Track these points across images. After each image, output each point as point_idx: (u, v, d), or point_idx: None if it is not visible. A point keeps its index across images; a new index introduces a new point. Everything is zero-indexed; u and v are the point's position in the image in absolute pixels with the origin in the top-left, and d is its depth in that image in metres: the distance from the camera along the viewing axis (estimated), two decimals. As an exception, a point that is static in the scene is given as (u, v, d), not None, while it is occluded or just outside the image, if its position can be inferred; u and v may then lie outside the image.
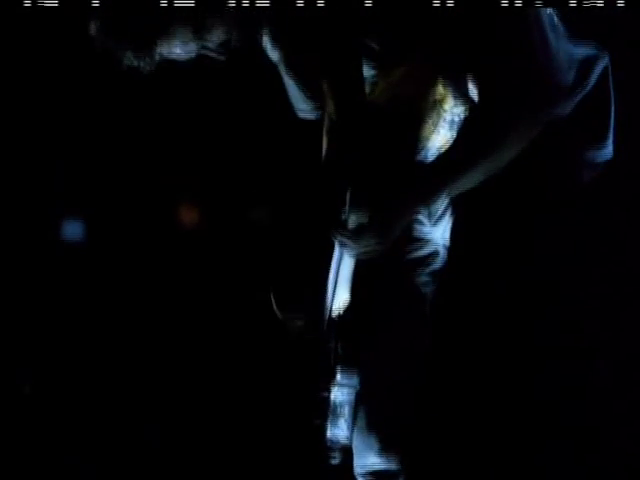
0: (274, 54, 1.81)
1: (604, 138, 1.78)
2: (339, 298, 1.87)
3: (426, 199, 1.74)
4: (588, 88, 1.75)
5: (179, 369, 2.83)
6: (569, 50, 1.76)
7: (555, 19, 1.75)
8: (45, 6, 2.39)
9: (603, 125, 1.77)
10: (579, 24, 2.26)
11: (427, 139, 1.85)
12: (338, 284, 1.85)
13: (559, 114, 1.69)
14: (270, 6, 2.25)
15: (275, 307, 1.87)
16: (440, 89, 1.79)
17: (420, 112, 1.78)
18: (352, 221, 1.81)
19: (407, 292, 1.88)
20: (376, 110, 1.75)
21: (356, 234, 1.76)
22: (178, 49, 1.62)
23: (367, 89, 1.76)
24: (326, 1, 2.29)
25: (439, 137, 1.84)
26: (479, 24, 1.61)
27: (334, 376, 1.80)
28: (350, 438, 1.80)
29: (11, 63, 2.73)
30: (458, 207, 1.92)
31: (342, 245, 1.78)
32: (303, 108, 1.92)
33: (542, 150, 1.71)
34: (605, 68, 1.81)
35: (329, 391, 1.79)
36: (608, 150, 1.80)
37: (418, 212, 1.75)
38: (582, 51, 1.79)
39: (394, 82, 1.75)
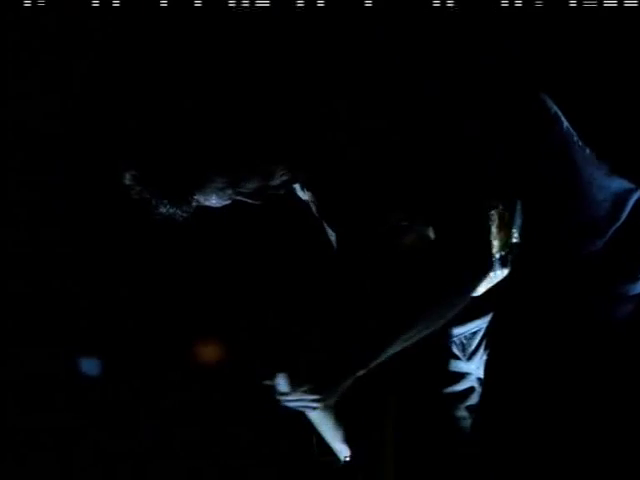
0: (306, 198, 1.83)
1: (636, 271, 1.72)
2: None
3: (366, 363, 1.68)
4: (621, 222, 1.71)
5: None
6: (603, 184, 1.72)
7: (587, 152, 1.72)
8: (45, 6, 2.40)
9: (635, 258, 1.72)
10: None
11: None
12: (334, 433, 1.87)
13: (592, 248, 1.68)
14: (270, 6, 2.27)
15: (316, 450, 1.90)
16: None
17: None
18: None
19: (444, 427, 1.89)
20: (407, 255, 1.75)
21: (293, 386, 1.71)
22: (214, 198, 1.60)
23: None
24: (326, 1, 2.31)
25: (494, 278, 1.83)
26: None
27: None
28: None
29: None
30: (492, 342, 1.89)
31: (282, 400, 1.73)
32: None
33: (574, 284, 1.70)
34: (638, 201, 1.75)
35: None
36: None
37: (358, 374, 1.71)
38: (616, 185, 1.74)
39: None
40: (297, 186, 1.81)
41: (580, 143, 1.69)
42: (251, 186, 1.60)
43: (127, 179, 1.52)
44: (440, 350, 1.88)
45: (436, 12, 2.27)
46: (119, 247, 2.89)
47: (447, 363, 1.86)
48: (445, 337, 1.87)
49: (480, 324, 1.87)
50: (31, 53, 2.60)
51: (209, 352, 2.90)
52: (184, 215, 1.55)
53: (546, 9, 2.28)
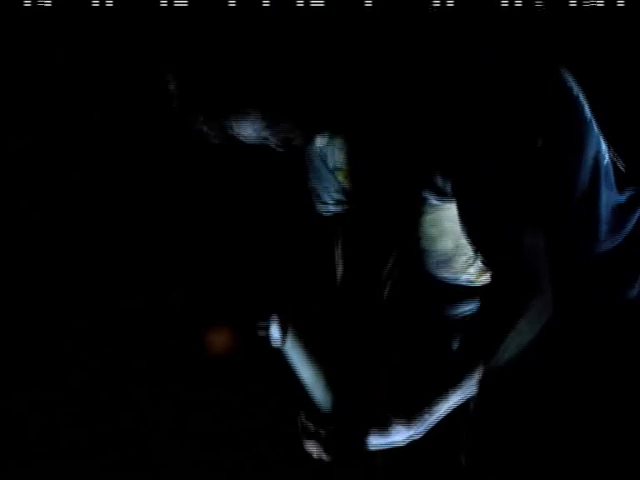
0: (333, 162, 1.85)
1: (634, 278, 1.71)
2: None
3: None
4: (627, 231, 1.69)
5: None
6: (612, 199, 1.69)
7: (605, 166, 1.68)
8: (45, 6, 2.41)
9: (635, 265, 1.70)
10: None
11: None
12: None
13: (595, 255, 1.66)
14: (270, 6, 2.27)
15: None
16: None
17: None
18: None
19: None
20: None
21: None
22: (247, 131, 1.61)
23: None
24: (326, 1, 2.31)
25: None
26: None
27: None
28: None
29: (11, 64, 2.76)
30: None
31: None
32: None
33: (572, 287, 1.69)
34: None
35: None
36: (636, 290, 1.71)
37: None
38: (624, 197, 1.71)
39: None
40: (329, 149, 1.81)
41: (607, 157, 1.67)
42: (283, 133, 1.62)
43: (170, 87, 1.56)
44: (437, 330, 1.88)
45: (436, 12, 2.28)
46: (128, 243, 2.91)
47: (444, 343, 1.85)
48: (443, 316, 1.87)
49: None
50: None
51: (220, 341, 2.91)
52: (216, 140, 1.58)
53: (546, 9, 2.28)
